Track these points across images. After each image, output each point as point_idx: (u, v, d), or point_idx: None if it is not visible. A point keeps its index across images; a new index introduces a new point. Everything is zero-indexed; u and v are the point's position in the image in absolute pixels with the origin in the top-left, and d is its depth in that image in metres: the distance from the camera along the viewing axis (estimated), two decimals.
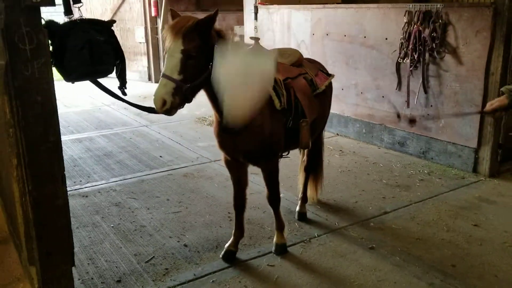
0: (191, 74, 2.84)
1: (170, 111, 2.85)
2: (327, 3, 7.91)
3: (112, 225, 4.31)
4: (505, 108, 2.96)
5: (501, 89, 3.02)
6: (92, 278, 3.50)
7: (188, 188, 5.13)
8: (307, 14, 7.27)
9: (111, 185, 5.25)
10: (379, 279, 3.44)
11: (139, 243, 4.00)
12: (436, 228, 4.17)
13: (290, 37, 7.54)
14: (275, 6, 7.92)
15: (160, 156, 6.22)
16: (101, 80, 3.01)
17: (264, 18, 8.05)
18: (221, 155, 3.70)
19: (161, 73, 2.83)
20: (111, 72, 2.85)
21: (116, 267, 3.65)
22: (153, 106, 3.05)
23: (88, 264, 3.68)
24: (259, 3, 8.09)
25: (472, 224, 4.25)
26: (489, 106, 3.01)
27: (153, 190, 5.10)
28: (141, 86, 11.31)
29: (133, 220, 4.41)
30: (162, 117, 8.14)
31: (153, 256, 3.79)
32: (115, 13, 12.68)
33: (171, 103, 2.80)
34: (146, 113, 8.46)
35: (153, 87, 11.35)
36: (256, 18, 8.13)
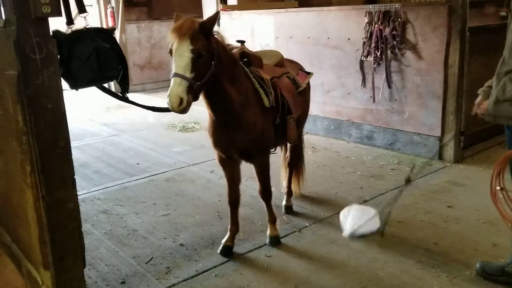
0: (200, 72, 2.98)
1: (185, 109, 2.93)
2: (284, 8, 8.20)
3: (104, 232, 4.36)
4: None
5: (477, 92, 3.35)
6: (96, 282, 3.56)
7: (173, 192, 5.24)
8: (270, 18, 7.53)
9: (94, 194, 5.27)
10: (370, 260, 3.68)
11: (135, 246, 4.08)
12: (414, 211, 4.48)
13: (255, 41, 7.76)
14: (237, 12, 8.14)
15: (137, 163, 6.27)
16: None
17: (227, 24, 8.25)
18: (214, 154, 3.86)
19: (172, 73, 2.93)
20: (116, 77, 2.96)
21: (118, 270, 3.72)
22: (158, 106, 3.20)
23: (89, 269, 3.72)
24: (221, 9, 8.28)
25: (446, 205, 4.58)
26: (479, 110, 3.29)
27: (138, 196, 5.16)
28: (101, 96, 11.18)
29: (124, 225, 4.47)
30: (130, 126, 8.21)
31: (152, 257, 3.88)
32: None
33: (187, 101, 2.90)
34: (113, 122, 8.43)
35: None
36: (219, 25, 8.30)
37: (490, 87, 3.23)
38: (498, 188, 3.01)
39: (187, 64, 2.92)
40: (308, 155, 6.27)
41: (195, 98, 3.02)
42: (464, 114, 5.72)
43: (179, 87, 2.88)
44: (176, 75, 2.91)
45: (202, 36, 2.99)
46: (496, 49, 3.99)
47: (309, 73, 4.40)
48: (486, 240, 3.92)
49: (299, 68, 4.37)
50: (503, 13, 7.79)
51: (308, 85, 4.42)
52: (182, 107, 2.89)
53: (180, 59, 2.93)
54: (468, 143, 5.98)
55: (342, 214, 3.45)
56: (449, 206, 4.56)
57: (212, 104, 3.36)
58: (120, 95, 3.09)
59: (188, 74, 2.92)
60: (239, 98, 3.40)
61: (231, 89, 3.34)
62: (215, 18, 3.03)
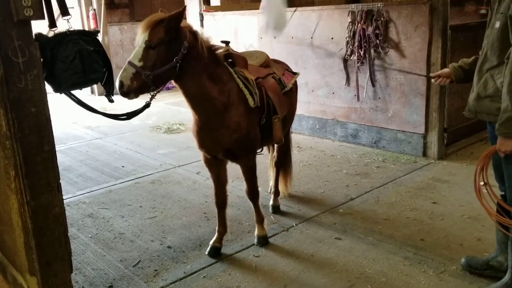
0: (151, 63, 3.09)
1: (127, 94, 3.09)
2: None
3: (90, 236, 4.32)
4: (448, 77, 3.52)
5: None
6: (83, 287, 3.53)
7: (159, 194, 5.21)
8: (253, 19, 7.53)
9: (79, 198, 5.22)
10: (358, 258, 3.70)
11: (122, 250, 4.05)
12: (400, 208, 4.52)
13: (238, 42, 7.75)
14: (220, 13, 8.13)
15: (122, 166, 6.22)
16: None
17: (210, 25, 8.23)
18: (200, 155, 3.85)
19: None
20: (101, 80, 2.93)
21: (105, 273, 3.69)
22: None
23: (76, 274, 3.69)
24: (204, 11, 8.26)
25: (431, 202, 4.63)
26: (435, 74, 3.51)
27: (123, 199, 5.13)
28: (84, 99, 11.06)
29: (110, 229, 4.44)
30: (114, 129, 8.14)
31: (139, 260, 3.86)
32: None
33: (128, 86, 3.05)
34: (97, 125, 8.38)
35: (96, 100, 11.25)
36: (202, 25, 8.29)
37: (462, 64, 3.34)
38: (481, 183, 3.07)
39: (138, 53, 3.08)
40: (294, 154, 6.27)
41: (146, 87, 3.11)
42: (447, 111, 5.79)
43: (124, 72, 3.06)
44: (127, 62, 3.09)
45: (163, 30, 3.09)
46: (476, 46, 4.05)
47: (295, 73, 4.40)
48: (471, 235, 3.98)
49: (285, 68, 4.38)
50: (482, 11, 7.92)
51: (295, 85, 4.42)
52: (122, 90, 3.05)
53: (136, 49, 3.10)
54: (451, 139, 6.07)
55: None
56: (434, 203, 4.61)
57: (193, 103, 3.39)
58: (78, 100, 3.09)
59: (136, 62, 3.06)
60: (221, 97, 3.40)
61: (213, 89, 3.35)
62: (179, 13, 3.10)
